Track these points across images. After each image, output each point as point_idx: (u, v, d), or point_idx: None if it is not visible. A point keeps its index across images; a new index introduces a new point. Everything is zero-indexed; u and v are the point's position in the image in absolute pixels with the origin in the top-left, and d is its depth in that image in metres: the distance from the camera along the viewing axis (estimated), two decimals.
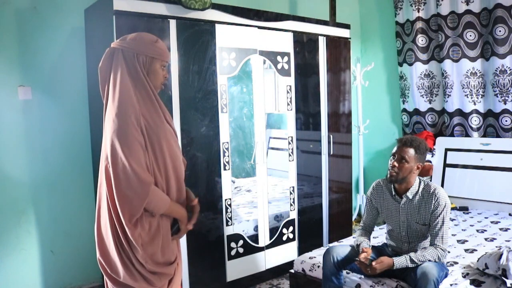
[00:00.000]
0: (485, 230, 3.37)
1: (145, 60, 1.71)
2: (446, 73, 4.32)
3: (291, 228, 3.62)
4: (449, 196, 2.46)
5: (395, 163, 2.41)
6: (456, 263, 2.66)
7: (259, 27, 3.32)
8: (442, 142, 4.36)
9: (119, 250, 1.65)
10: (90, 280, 3.28)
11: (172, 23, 2.85)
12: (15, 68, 2.93)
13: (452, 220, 3.65)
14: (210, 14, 3.03)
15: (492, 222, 3.59)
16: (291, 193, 3.63)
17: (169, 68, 2.82)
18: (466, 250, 2.92)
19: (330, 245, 3.06)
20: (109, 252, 1.69)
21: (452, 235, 3.24)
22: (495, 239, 3.16)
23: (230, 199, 3.20)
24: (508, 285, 2.28)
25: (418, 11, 4.50)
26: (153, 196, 1.63)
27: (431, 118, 4.61)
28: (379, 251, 2.61)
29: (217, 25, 3.06)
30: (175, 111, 2.87)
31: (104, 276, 1.72)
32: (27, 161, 3.01)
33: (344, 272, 2.57)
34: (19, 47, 2.94)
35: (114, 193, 1.60)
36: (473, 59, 4.16)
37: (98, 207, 1.72)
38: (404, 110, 4.79)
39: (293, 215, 3.64)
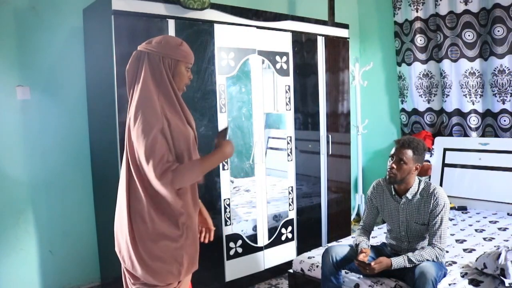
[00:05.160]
0: (484, 230, 3.37)
1: (171, 63, 1.74)
2: (445, 73, 4.33)
3: (290, 228, 3.62)
4: (447, 196, 2.47)
5: (394, 165, 2.42)
6: (454, 262, 2.66)
7: (258, 27, 3.32)
8: (441, 142, 4.36)
9: (134, 243, 1.69)
10: (88, 280, 3.28)
11: (171, 23, 2.85)
12: (14, 68, 2.93)
13: (450, 219, 3.66)
14: (209, 14, 3.03)
15: (490, 221, 3.59)
16: (290, 193, 3.63)
17: None
18: (464, 250, 2.92)
19: (329, 245, 3.06)
20: (123, 245, 1.72)
21: (451, 234, 3.25)
22: (493, 238, 3.16)
23: (229, 199, 3.20)
24: (507, 284, 2.28)
25: (417, 11, 4.50)
26: (178, 178, 1.63)
27: (430, 118, 4.62)
28: (378, 250, 2.62)
29: (216, 25, 3.06)
30: None
31: (122, 270, 1.77)
32: (25, 161, 3.00)
33: (343, 272, 2.57)
34: (17, 47, 2.94)
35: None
36: (471, 59, 4.17)
37: (118, 205, 1.76)
38: (403, 110, 4.80)
39: (292, 215, 3.65)
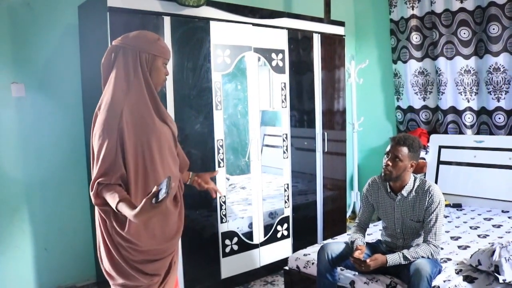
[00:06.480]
0: (478, 227, 3.39)
1: (148, 58, 1.71)
2: (440, 70, 4.34)
3: (285, 225, 3.63)
4: (442, 193, 2.48)
5: (389, 162, 2.42)
6: (449, 259, 2.68)
7: (254, 24, 3.31)
8: (436, 139, 4.38)
9: (106, 244, 1.68)
10: (84, 278, 3.27)
11: (167, 20, 2.84)
12: (8, 65, 2.91)
13: (445, 217, 3.67)
14: (205, 11, 3.02)
15: (485, 219, 3.61)
16: (285, 190, 3.63)
17: None
18: (459, 247, 2.93)
19: (325, 242, 3.06)
20: (101, 251, 1.71)
21: (446, 231, 3.26)
22: (488, 235, 3.18)
23: (224, 196, 3.19)
24: (501, 281, 2.30)
25: (413, 9, 4.51)
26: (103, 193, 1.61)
27: (425, 115, 4.63)
28: (373, 247, 2.62)
29: (211, 22, 3.06)
30: (169, 108, 2.86)
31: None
32: (20, 158, 2.99)
33: (339, 269, 2.58)
34: (12, 44, 2.92)
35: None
36: (466, 57, 4.18)
37: None
38: (398, 107, 4.81)
39: (288, 212, 3.65)
